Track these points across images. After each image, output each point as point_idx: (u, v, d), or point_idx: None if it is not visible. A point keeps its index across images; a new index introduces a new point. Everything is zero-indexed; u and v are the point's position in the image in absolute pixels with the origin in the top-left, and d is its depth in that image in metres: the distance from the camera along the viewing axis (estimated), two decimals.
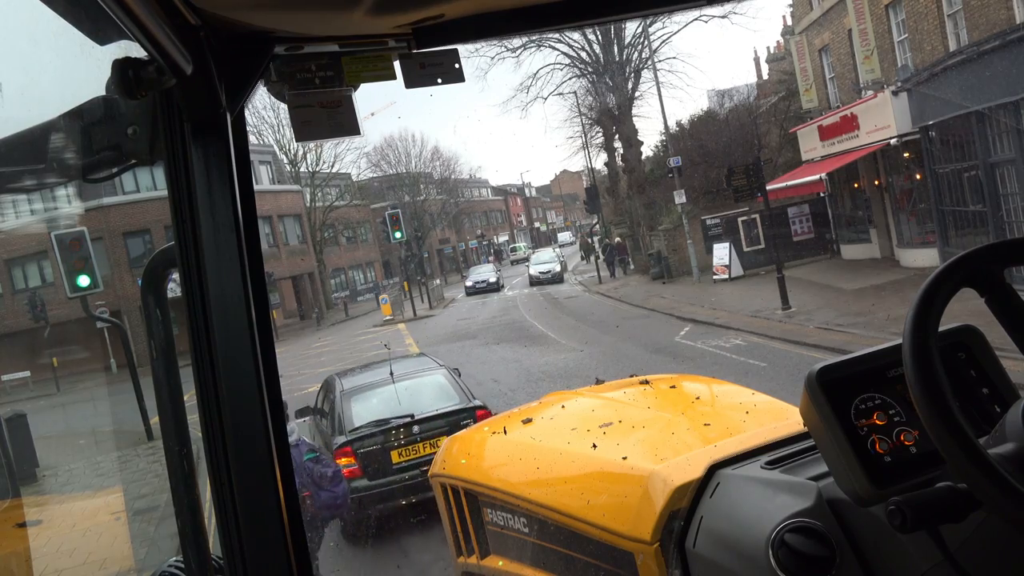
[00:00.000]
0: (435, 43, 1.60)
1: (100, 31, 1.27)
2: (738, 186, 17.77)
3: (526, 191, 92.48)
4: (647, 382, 3.43)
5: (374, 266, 54.97)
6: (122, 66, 1.19)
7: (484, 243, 70.64)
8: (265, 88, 1.56)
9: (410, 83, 1.62)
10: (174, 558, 1.55)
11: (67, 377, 23.53)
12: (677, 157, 26.50)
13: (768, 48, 37.67)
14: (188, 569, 1.46)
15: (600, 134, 38.38)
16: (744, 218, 24.99)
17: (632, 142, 32.77)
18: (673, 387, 3.37)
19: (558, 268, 38.96)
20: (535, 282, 37.73)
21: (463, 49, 1.64)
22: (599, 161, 41.76)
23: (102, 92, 1.33)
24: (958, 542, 1.23)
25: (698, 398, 3.18)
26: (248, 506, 1.32)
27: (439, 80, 1.63)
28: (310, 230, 44.12)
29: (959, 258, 1.25)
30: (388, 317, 32.38)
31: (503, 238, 79.97)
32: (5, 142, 1.38)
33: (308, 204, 44.36)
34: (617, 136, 34.71)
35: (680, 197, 25.80)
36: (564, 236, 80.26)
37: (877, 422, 1.41)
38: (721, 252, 24.72)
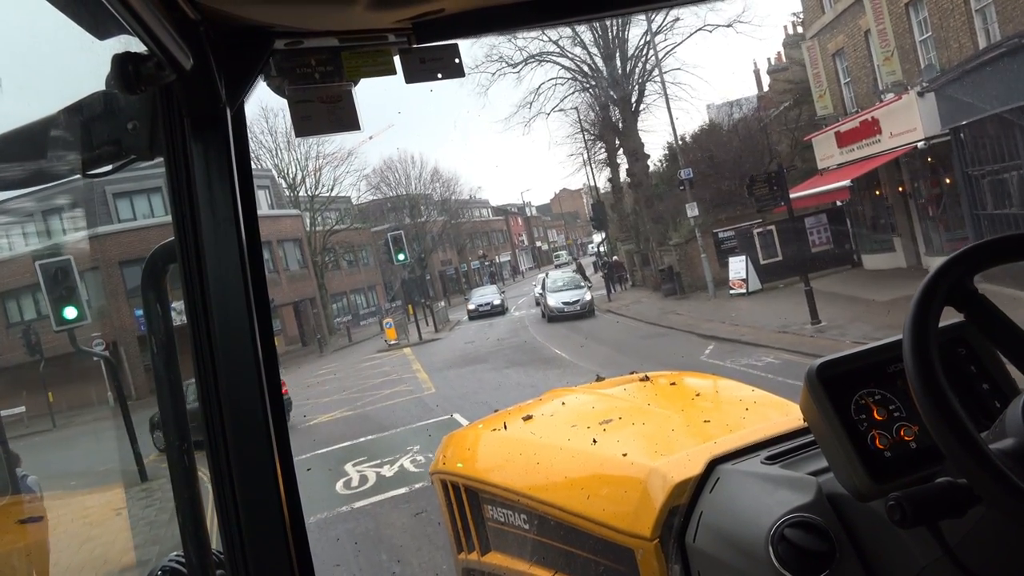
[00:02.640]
0: (435, 38, 1.62)
1: (100, 26, 1.27)
2: (760, 195, 17.01)
3: (527, 210, 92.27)
4: (647, 378, 3.43)
5: (376, 289, 54.46)
6: (122, 61, 1.21)
7: (486, 263, 69.61)
8: (265, 84, 1.56)
9: (410, 78, 1.64)
10: (175, 552, 1.56)
11: (63, 412, 22.85)
12: (688, 169, 25.79)
13: (768, 59, 37.02)
14: (189, 563, 1.49)
15: (603, 149, 37.73)
16: (759, 230, 24.24)
17: (639, 155, 32.11)
18: (673, 384, 3.37)
19: (588, 296, 29.55)
20: (555, 317, 28.43)
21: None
22: (602, 178, 41.04)
23: (102, 87, 1.34)
24: (958, 537, 1.21)
25: (698, 394, 3.18)
26: (249, 500, 1.34)
27: (439, 75, 1.65)
28: (310, 254, 43.44)
29: (959, 252, 1.24)
30: (393, 341, 31.70)
31: (505, 258, 79.41)
32: (4, 137, 1.39)
33: (308, 228, 43.76)
34: (621, 150, 34.08)
35: (692, 210, 25.12)
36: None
37: (877, 417, 1.41)
38: (737, 266, 24.00)
